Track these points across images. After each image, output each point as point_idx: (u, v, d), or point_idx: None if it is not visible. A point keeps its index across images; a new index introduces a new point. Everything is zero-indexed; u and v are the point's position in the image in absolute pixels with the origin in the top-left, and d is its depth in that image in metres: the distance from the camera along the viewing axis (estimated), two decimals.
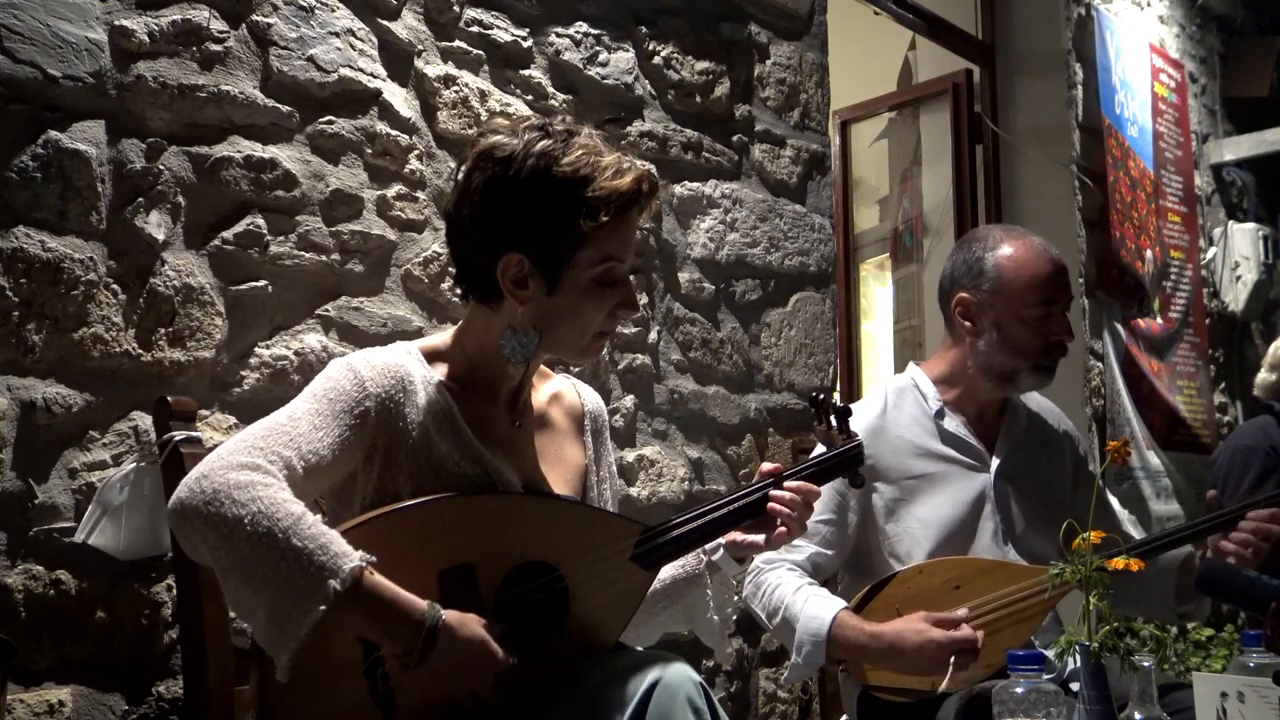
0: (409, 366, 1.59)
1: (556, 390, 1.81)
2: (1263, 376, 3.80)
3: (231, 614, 1.70)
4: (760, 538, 1.72)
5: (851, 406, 1.94)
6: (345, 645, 1.41)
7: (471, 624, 1.42)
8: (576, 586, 1.57)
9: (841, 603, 2.10)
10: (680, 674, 1.42)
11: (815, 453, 1.87)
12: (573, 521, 1.62)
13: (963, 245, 2.35)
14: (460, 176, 1.62)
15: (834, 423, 1.84)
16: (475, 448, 1.60)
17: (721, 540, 1.75)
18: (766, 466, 1.76)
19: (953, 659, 1.94)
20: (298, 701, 1.41)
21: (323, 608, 1.33)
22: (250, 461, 1.40)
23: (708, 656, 2.68)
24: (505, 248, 1.56)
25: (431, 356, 1.65)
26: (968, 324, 2.27)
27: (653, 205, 1.62)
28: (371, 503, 1.55)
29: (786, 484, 1.72)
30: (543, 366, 1.81)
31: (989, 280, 2.24)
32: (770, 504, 1.70)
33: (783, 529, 1.70)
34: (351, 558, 1.36)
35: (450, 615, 1.40)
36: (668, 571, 1.78)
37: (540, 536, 1.57)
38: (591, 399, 1.85)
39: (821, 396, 1.86)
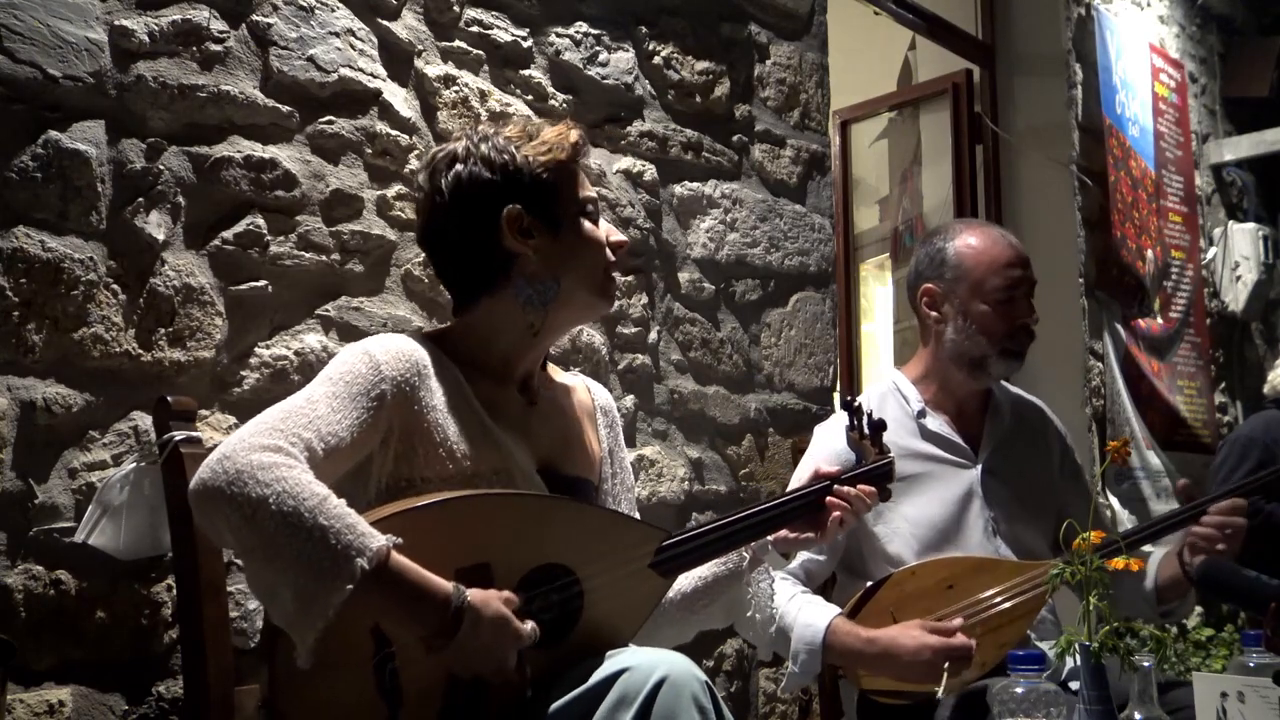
0: (422, 351, 1.62)
1: (569, 385, 1.84)
2: (1274, 376, 3.80)
3: (233, 614, 1.70)
4: (814, 532, 1.78)
5: (856, 403, 1.95)
6: (357, 638, 1.41)
7: (495, 602, 1.42)
8: (592, 591, 1.57)
9: (835, 609, 2.10)
10: (686, 672, 1.42)
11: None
12: (593, 525, 1.62)
13: (925, 240, 2.40)
14: (426, 190, 1.70)
15: (867, 433, 1.88)
16: (490, 428, 1.63)
17: (769, 537, 1.78)
18: (823, 469, 1.84)
19: (947, 665, 1.94)
20: (305, 691, 1.41)
21: (350, 586, 1.33)
22: (272, 443, 1.41)
23: (707, 656, 2.69)
24: (499, 206, 1.64)
25: (443, 342, 1.68)
26: (934, 314, 2.31)
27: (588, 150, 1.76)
28: (387, 486, 1.56)
29: (849, 488, 1.80)
30: (554, 367, 1.84)
31: (950, 268, 2.29)
32: (831, 499, 1.77)
33: (837, 514, 1.77)
34: (378, 538, 1.37)
35: (474, 594, 1.41)
36: (709, 570, 1.79)
37: (559, 539, 1.57)
38: (603, 395, 1.88)
39: (857, 403, 1.90)
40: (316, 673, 1.38)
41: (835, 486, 1.79)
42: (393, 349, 1.59)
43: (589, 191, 1.73)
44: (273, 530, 1.34)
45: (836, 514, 1.77)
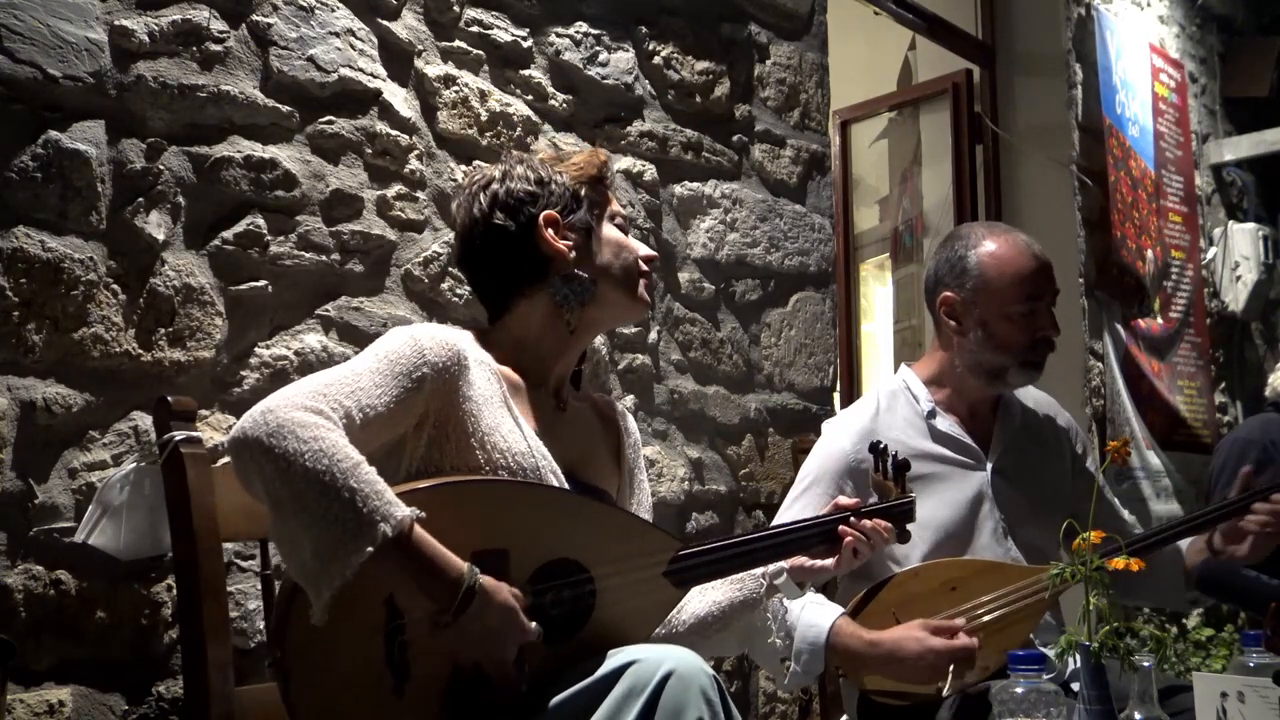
0: (467, 342, 1.67)
1: (598, 401, 1.91)
2: (1275, 379, 3.80)
3: (233, 614, 1.70)
4: (830, 562, 1.82)
5: (882, 445, 1.96)
6: (371, 605, 1.43)
7: (504, 592, 1.45)
8: (605, 591, 1.59)
9: (839, 609, 2.09)
10: (694, 666, 1.43)
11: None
12: (613, 527, 1.65)
13: (946, 244, 2.33)
14: (465, 210, 1.76)
15: (890, 473, 1.92)
16: (521, 426, 1.65)
17: (784, 564, 1.81)
18: (842, 501, 1.88)
19: (951, 667, 1.94)
20: (313, 653, 1.42)
21: (370, 549, 1.35)
22: (314, 406, 1.44)
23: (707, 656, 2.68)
24: (535, 213, 1.73)
25: (482, 339, 1.73)
26: (953, 323, 2.25)
27: (612, 171, 1.86)
28: (417, 471, 1.59)
29: (867, 520, 1.83)
30: (587, 390, 1.88)
31: (972, 278, 2.23)
32: (843, 528, 1.81)
33: (850, 540, 1.80)
34: (403, 508, 1.40)
35: (486, 580, 1.43)
36: (724, 595, 1.83)
37: (579, 536, 1.59)
38: (630, 418, 1.94)
39: (883, 445, 1.95)
40: (326, 637, 1.40)
41: (852, 519, 1.82)
42: (439, 337, 1.63)
43: (618, 207, 1.82)
44: (304, 485, 1.37)
45: (850, 540, 1.80)
